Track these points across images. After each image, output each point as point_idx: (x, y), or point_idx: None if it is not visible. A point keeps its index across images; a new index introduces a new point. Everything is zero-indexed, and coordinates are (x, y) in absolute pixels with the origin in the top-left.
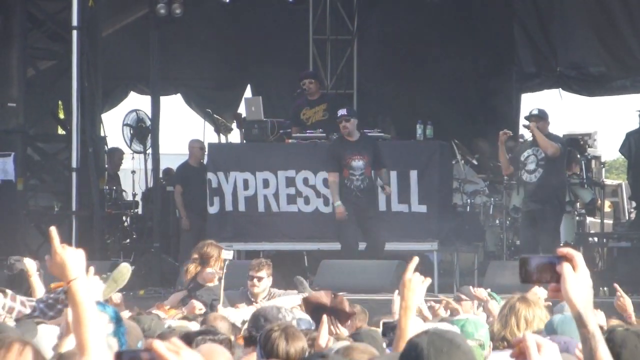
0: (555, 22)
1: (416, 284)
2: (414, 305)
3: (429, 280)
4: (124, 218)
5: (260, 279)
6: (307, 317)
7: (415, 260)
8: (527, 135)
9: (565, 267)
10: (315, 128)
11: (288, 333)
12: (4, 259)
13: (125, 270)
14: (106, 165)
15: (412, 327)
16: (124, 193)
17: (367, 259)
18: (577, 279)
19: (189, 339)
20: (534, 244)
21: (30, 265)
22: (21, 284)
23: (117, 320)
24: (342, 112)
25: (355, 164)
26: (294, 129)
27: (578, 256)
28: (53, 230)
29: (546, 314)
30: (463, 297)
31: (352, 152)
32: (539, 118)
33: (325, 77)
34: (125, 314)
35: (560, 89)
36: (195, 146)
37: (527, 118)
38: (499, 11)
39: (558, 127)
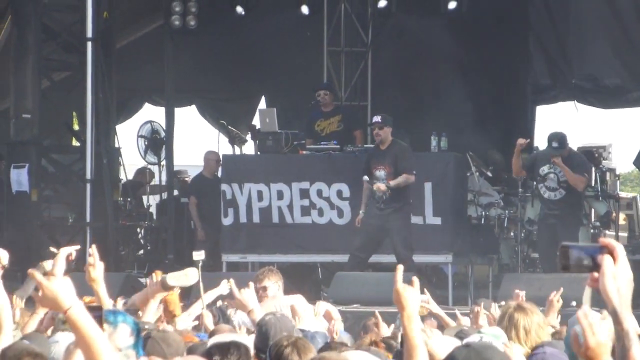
0: (571, 34)
1: (409, 290)
2: (416, 312)
3: (416, 282)
4: (138, 229)
5: (265, 288)
6: (324, 330)
7: (400, 268)
8: (541, 148)
9: (606, 259)
10: (330, 139)
11: (298, 346)
12: (17, 270)
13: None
14: (122, 178)
15: (419, 336)
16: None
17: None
18: (617, 272)
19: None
20: (554, 255)
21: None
22: None
23: (137, 332)
24: (375, 118)
25: (378, 174)
26: (308, 141)
27: (619, 248)
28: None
29: (544, 319)
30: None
31: (377, 161)
32: (560, 149)
33: (339, 88)
34: None
35: (575, 101)
36: (212, 158)
37: (549, 151)
38: (515, 23)
39: (573, 139)
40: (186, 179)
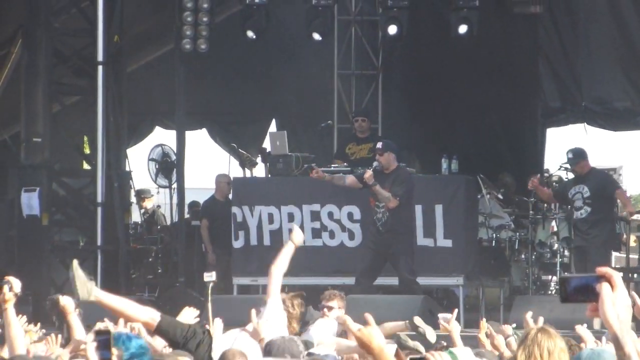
0: (581, 56)
1: (367, 331)
2: (383, 345)
3: (370, 318)
4: (149, 253)
5: (330, 308)
6: (334, 353)
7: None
8: (552, 170)
9: (604, 287)
10: (358, 165)
11: None
12: (29, 294)
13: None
14: (133, 201)
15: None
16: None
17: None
18: (615, 298)
19: None
20: None
21: (67, 303)
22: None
23: (134, 356)
24: (377, 145)
25: None
26: (338, 162)
27: (617, 276)
28: None
29: (565, 345)
30: (492, 333)
31: (380, 183)
32: (574, 160)
33: (349, 111)
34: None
35: (585, 123)
36: (223, 181)
37: (565, 165)
38: (524, 45)
39: None
40: (148, 198)
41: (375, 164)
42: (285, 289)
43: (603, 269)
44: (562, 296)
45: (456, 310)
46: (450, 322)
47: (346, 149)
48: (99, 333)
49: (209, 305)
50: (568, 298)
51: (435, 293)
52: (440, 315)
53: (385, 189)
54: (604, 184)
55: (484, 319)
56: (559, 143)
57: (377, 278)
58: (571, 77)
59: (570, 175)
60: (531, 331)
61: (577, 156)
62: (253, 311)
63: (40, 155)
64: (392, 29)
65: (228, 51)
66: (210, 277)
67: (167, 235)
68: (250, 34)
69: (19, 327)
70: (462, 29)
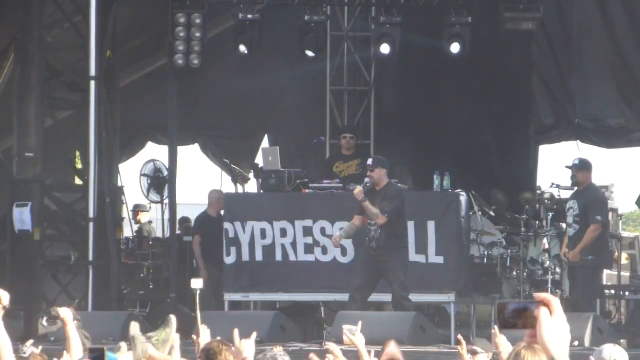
0: (574, 73)
1: None
2: None
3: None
4: (140, 268)
5: None
6: None
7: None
8: (544, 187)
9: (542, 312)
10: (348, 182)
11: None
12: (20, 309)
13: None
14: (124, 217)
15: None
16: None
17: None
18: (553, 323)
19: None
20: (577, 298)
21: (66, 314)
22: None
23: None
24: (368, 161)
25: None
26: (323, 181)
27: (555, 301)
28: None
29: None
30: (478, 350)
31: (371, 199)
32: (577, 166)
33: (342, 127)
34: None
35: (578, 140)
36: (215, 196)
37: (570, 168)
38: (518, 62)
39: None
40: (142, 211)
41: (366, 180)
42: (277, 304)
43: (542, 294)
44: (500, 322)
45: (360, 322)
46: (356, 334)
47: (333, 168)
48: (92, 351)
49: (198, 312)
50: (506, 323)
51: (426, 309)
52: (345, 327)
53: (376, 206)
54: (589, 207)
55: (460, 335)
56: (552, 160)
57: (371, 294)
58: (564, 94)
59: (563, 194)
60: (516, 348)
61: (582, 164)
62: (236, 331)
63: (32, 170)
64: (385, 48)
65: (220, 66)
66: (197, 283)
67: (158, 250)
68: (242, 48)
69: (7, 338)
70: (455, 47)
